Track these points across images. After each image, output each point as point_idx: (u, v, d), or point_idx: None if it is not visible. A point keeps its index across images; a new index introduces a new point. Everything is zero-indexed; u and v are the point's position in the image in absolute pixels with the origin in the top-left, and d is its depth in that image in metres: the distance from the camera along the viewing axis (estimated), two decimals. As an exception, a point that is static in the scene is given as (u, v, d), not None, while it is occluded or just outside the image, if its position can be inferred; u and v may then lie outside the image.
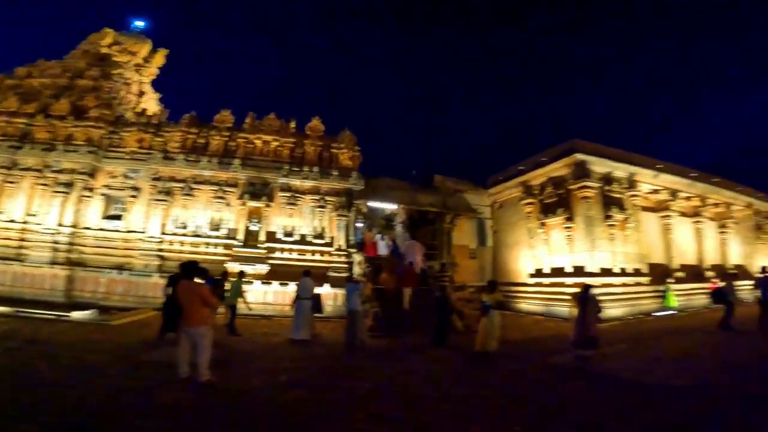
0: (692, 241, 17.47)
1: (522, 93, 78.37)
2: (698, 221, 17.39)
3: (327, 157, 16.47)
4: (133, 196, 14.71)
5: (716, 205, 18.26)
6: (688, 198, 17.28)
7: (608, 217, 14.58)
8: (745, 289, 16.42)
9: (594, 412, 4.52)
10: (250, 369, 6.14)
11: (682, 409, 4.53)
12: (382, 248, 15.31)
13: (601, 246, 14.39)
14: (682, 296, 15.42)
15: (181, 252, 14.08)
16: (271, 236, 14.97)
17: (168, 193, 14.68)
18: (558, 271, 15.60)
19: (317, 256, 15.03)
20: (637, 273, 14.79)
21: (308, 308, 9.20)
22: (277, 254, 14.81)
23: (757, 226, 20.86)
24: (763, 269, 10.73)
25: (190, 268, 5.44)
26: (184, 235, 14.63)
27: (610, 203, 14.89)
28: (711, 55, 65.59)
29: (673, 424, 4.11)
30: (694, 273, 16.92)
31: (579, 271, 14.50)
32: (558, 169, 16.04)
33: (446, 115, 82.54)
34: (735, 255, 19.90)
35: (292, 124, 16.87)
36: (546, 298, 15.56)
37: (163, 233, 14.45)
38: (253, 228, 14.74)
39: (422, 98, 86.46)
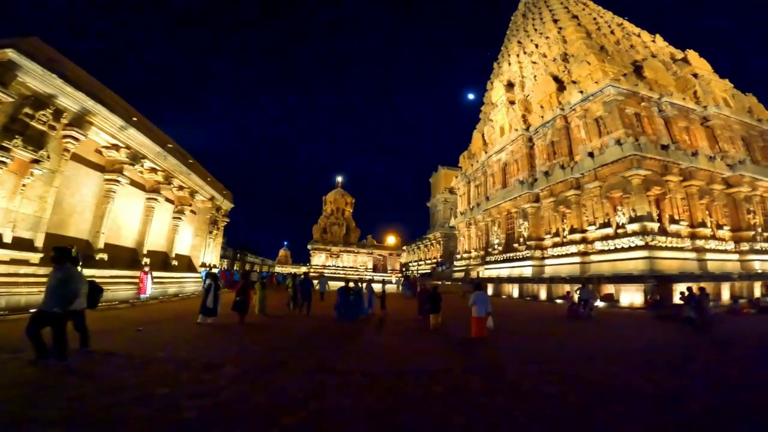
0: (138, 220, 14.77)
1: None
2: (153, 198, 15.01)
3: None
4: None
5: (181, 188, 16.91)
6: (153, 169, 14.60)
7: (1, 148, 8.68)
8: (170, 282, 15.40)
9: None
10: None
11: None
12: None
13: (-44, 190, 8.12)
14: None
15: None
16: None
17: None
18: None
19: None
20: (23, 245, 9.61)
21: None
22: None
23: (213, 220, 22.01)
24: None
25: None
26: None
27: (18, 132, 9.10)
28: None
29: None
30: (126, 258, 14.09)
31: None
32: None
33: None
34: (184, 245, 19.56)
35: None
36: None
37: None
38: None
39: None
